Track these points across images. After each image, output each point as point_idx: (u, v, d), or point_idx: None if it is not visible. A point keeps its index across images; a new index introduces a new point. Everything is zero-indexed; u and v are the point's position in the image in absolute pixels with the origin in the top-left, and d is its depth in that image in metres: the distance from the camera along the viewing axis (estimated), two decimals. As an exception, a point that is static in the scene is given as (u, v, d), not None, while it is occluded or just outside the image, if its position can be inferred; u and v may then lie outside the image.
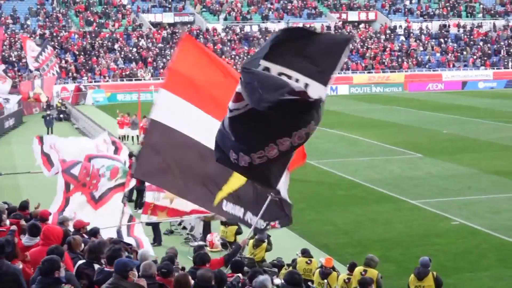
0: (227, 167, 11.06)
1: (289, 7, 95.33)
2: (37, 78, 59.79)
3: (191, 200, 14.63)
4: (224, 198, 13.27)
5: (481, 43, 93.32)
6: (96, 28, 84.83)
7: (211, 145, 12.45)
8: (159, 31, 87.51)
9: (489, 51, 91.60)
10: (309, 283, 16.84)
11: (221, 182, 13.24)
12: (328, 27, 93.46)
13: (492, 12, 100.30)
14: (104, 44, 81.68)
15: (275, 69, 9.96)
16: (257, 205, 13.30)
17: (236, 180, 12.98)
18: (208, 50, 15.35)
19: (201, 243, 22.38)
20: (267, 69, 9.86)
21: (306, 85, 10.18)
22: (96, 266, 11.44)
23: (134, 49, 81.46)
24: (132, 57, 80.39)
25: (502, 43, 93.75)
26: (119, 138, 41.07)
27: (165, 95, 14.01)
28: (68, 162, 18.51)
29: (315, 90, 10.25)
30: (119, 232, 15.62)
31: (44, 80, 58.09)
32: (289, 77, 9.99)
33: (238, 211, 13.31)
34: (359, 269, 15.79)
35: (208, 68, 13.88)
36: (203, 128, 13.44)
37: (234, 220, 13.81)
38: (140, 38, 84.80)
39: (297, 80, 10.09)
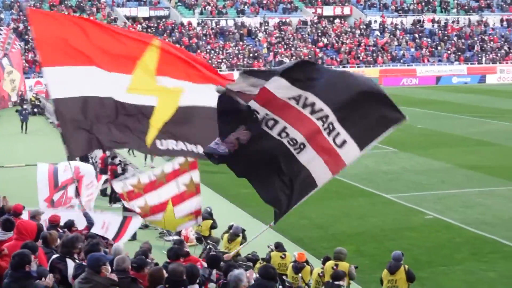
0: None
1: (264, 2, 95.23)
2: (4, 58, 58.97)
3: (127, 146, 14.28)
4: (156, 137, 12.95)
5: (455, 39, 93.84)
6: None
7: (116, 96, 12.80)
8: (134, 25, 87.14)
9: (463, 47, 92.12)
10: (284, 277, 16.88)
11: (145, 122, 12.96)
12: (304, 22, 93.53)
13: (466, 7, 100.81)
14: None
15: (325, 110, 10.37)
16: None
17: (161, 115, 12.78)
18: (57, 13, 15.02)
19: (177, 237, 22.36)
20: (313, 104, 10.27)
21: (344, 141, 10.44)
22: (69, 261, 11.37)
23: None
24: (107, 51, 79.91)
25: (476, 39, 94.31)
26: None
27: (49, 72, 13.34)
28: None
29: (349, 151, 10.65)
30: (86, 214, 15.47)
31: (10, 56, 57.55)
32: (333, 127, 10.46)
33: (175, 145, 13.02)
34: (330, 263, 15.83)
35: (70, 26, 13.53)
36: (101, 82, 13.08)
37: (174, 154, 13.41)
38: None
39: (337, 134, 10.46)
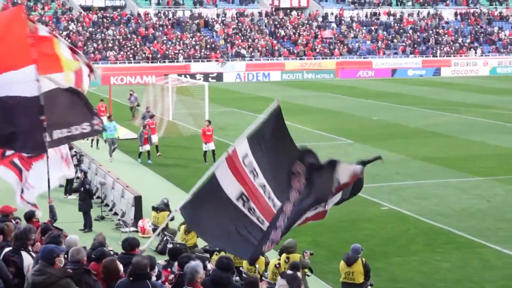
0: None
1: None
2: None
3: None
4: None
5: (410, 31, 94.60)
6: (25, 12, 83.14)
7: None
8: (90, 14, 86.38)
9: (418, 40, 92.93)
10: (241, 269, 16.91)
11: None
12: (260, 13, 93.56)
13: (422, 1, 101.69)
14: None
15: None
16: None
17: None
18: None
19: (133, 229, 22.29)
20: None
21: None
22: (24, 253, 11.26)
23: (64, 33, 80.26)
24: (62, 41, 79.08)
25: (430, 32, 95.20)
26: None
27: None
28: None
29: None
30: (52, 208, 15.27)
31: None
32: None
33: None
34: (283, 257, 15.88)
35: None
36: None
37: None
38: (70, 22, 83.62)
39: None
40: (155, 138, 35.65)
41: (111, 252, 12.76)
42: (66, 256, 10.32)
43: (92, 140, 37.56)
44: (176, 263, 12.46)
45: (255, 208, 10.69)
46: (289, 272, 13.93)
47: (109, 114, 37.87)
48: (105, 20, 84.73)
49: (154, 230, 21.68)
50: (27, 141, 13.28)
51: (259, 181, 10.62)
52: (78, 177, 25.21)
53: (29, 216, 14.59)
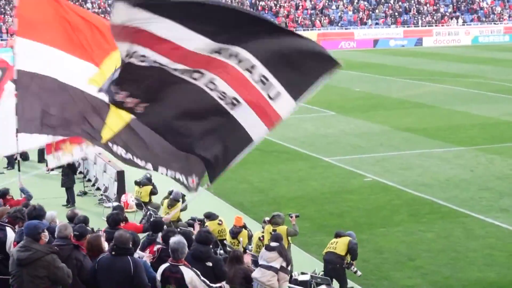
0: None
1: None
2: None
3: (79, 135, 13.88)
4: (110, 140, 12.76)
5: (391, 1, 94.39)
6: None
7: (78, 84, 12.64)
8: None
9: (400, 9, 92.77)
10: (225, 242, 16.90)
11: (100, 119, 12.78)
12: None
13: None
14: (10, 1, 79.49)
15: (252, 60, 9.35)
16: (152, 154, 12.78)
17: (115, 121, 12.53)
18: None
19: (116, 203, 22.19)
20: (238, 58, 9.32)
21: (278, 94, 9.71)
22: (8, 229, 11.23)
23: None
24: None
25: (412, 1, 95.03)
26: None
27: (22, 43, 13.39)
28: None
29: (284, 104, 9.72)
30: (23, 189, 15.16)
31: None
32: (266, 79, 9.43)
33: (124, 153, 12.84)
34: (268, 228, 15.87)
35: (54, 7, 13.40)
36: (68, 68, 13.01)
37: (122, 161, 13.11)
38: None
39: (271, 86, 9.50)
40: None
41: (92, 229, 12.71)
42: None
43: None
44: (159, 235, 12.41)
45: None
46: (273, 244, 13.91)
47: None
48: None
49: (137, 204, 21.62)
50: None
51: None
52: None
53: (3, 194, 14.46)
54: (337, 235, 15.57)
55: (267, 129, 9.94)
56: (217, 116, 9.95)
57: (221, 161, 10.48)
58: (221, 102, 9.78)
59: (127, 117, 11.77)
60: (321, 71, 9.87)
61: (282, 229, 15.61)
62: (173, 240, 9.95)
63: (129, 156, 12.48)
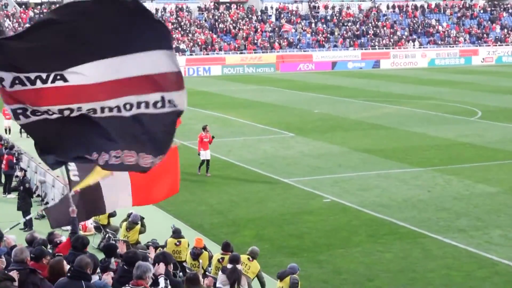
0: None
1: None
2: None
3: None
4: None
5: (349, 24, 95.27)
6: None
7: None
8: (26, 11, 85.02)
9: (358, 32, 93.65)
10: (184, 264, 16.84)
11: None
12: (200, 8, 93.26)
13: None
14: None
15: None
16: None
17: None
18: None
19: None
20: None
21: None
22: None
23: (0, 29, 78.85)
24: (-2, 38, 77.81)
25: (369, 24, 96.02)
26: (5, 130, 39.12)
27: None
28: None
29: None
30: None
31: None
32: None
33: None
34: (243, 257, 15.79)
35: None
36: None
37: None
38: (6, 18, 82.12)
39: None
40: None
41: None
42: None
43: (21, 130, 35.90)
44: (112, 260, 12.31)
45: None
46: (228, 266, 13.88)
47: None
48: (42, 16, 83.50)
49: (96, 227, 21.45)
50: None
51: None
52: (17, 176, 24.80)
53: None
54: (280, 278, 15.29)
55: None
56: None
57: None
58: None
59: None
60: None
61: (255, 266, 15.63)
62: (138, 263, 9.92)
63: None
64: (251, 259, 15.79)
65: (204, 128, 30.70)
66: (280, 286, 15.16)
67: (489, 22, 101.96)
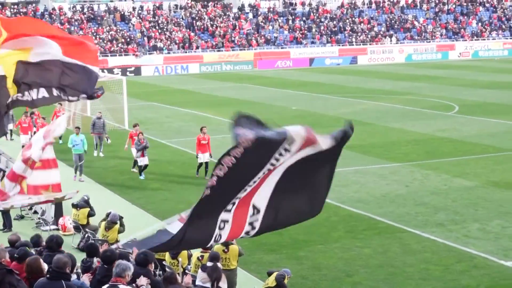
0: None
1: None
2: None
3: None
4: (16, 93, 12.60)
5: (326, 21, 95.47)
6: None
7: None
8: (3, 10, 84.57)
9: (335, 28, 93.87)
10: (164, 263, 16.84)
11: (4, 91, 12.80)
12: (178, 6, 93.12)
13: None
14: None
15: None
16: None
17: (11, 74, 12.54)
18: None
19: (54, 226, 21.97)
20: None
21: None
22: None
23: (-24, 30, 78.36)
24: (-26, 38, 77.33)
25: (347, 21, 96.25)
26: None
27: None
28: None
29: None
30: None
31: None
32: None
33: (35, 94, 12.96)
34: (218, 248, 15.85)
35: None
36: None
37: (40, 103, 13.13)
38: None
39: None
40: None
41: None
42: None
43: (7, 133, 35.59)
44: (95, 259, 12.33)
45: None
46: (209, 263, 13.94)
47: (77, 126, 31.37)
48: (18, 15, 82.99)
49: (75, 227, 21.43)
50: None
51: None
52: (-5, 176, 24.66)
53: None
54: (269, 274, 15.45)
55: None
56: None
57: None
58: None
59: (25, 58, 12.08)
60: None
61: (234, 248, 15.69)
62: (118, 263, 9.99)
63: (39, 93, 12.45)
64: (226, 250, 15.91)
65: (201, 130, 29.70)
66: (267, 282, 15.27)
67: (465, 17, 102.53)
